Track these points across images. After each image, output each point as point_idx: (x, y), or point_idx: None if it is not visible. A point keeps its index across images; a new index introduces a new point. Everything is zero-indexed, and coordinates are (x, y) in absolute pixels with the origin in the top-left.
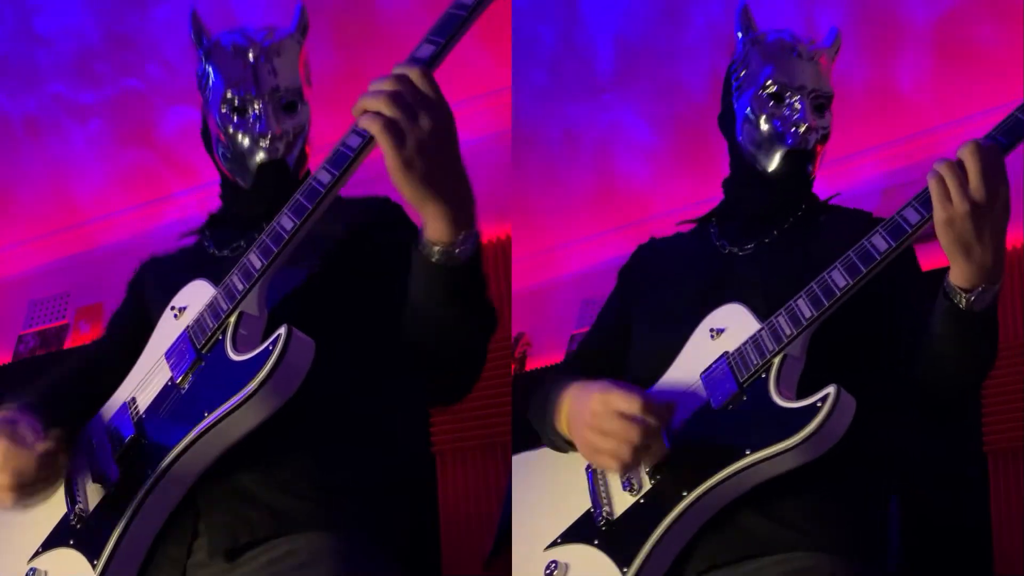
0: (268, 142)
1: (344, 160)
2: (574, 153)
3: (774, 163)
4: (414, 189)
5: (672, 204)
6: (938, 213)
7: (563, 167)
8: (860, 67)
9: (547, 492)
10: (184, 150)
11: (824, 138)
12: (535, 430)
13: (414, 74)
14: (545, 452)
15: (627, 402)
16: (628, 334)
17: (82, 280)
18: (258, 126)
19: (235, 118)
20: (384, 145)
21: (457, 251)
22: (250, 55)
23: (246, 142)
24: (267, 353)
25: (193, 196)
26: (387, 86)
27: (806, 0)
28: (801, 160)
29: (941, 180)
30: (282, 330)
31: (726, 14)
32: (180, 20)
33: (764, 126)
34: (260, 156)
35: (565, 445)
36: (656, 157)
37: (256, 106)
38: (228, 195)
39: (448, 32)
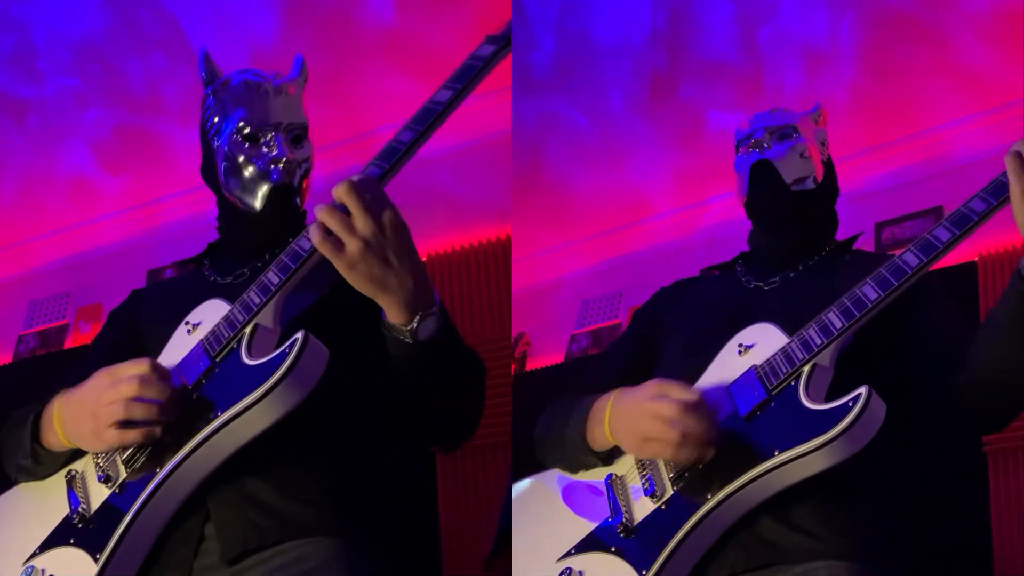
0: (282, 165)
1: None
2: (574, 153)
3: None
4: (361, 286)
5: (672, 205)
6: (1015, 186)
7: (563, 167)
8: (855, 68)
9: (551, 510)
10: (185, 153)
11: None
12: (536, 458)
13: (355, 186)
14: (544, 479)
15: (687, 393)
16: (643, 372)
17: (82, 280)
18: (274, 152)
19: (247, 145)
20: (325, 253)
21: (417, 332)
22: (262, 90)
23: (258, 167)
24: (283, 356)
25: (192, 197)
26: (335, 195)
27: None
28: (768, 172)
29: (1019, 155)
30: (299, 335)
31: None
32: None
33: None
34: (273, 179)
35: (591, 459)
36: (655, 158)
37: (269, 135)
38: (230, 224)
39: (464, 81)
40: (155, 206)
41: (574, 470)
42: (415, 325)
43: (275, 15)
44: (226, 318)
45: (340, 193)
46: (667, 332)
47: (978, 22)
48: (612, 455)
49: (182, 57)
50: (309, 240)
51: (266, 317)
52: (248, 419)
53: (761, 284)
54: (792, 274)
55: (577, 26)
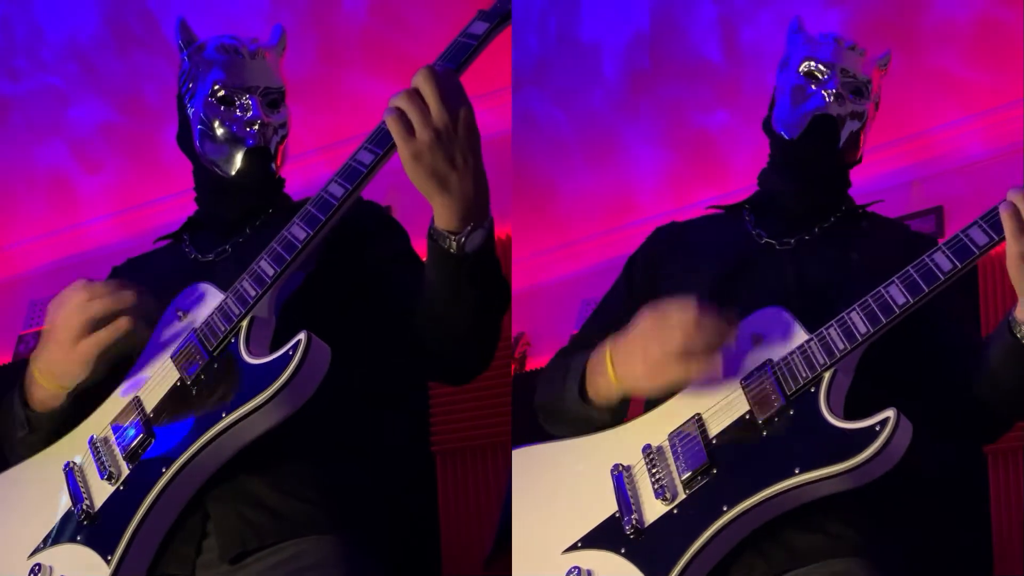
0: (257, 127)
1: (356, 175)
2: (574, 153)
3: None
4: (420, 180)
5: (671, 205)
6: (1012, 248)
7: (563, 167)
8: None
9: (550, 489)
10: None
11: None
12: (539, 425)
13: (436, 75)
14: (548, 447)
15: (684, 307)
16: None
17: None
18: (249, 114)
19: (222, 108)
20: (395, 136)
21: (463, 241)
22: (238, 53)
23: (233, 130)
24: (287, 358)
25: (191, 196)
26: (414, 81)
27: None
28: (828, 132)
29: (1016, 212)
30: (302, 336)
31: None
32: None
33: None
34: (248, 142)
35: (594, 415)
36: (653, 158)
37: (244, 98)
38: (207, 193)
39: (457, 60)
40: (154, 206)
41: (580, 431)
42: (464, 237)
43: (261, 20)
44: (221, 310)
45: (419, 79)
46: (668, 280)
47: (958, 29)
48: (617, 414)
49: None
50: (303, 229)
51: (261, 308)
52: (253, 421)
53: (773, 243)
54: (807, 237)
55: (568, 27)
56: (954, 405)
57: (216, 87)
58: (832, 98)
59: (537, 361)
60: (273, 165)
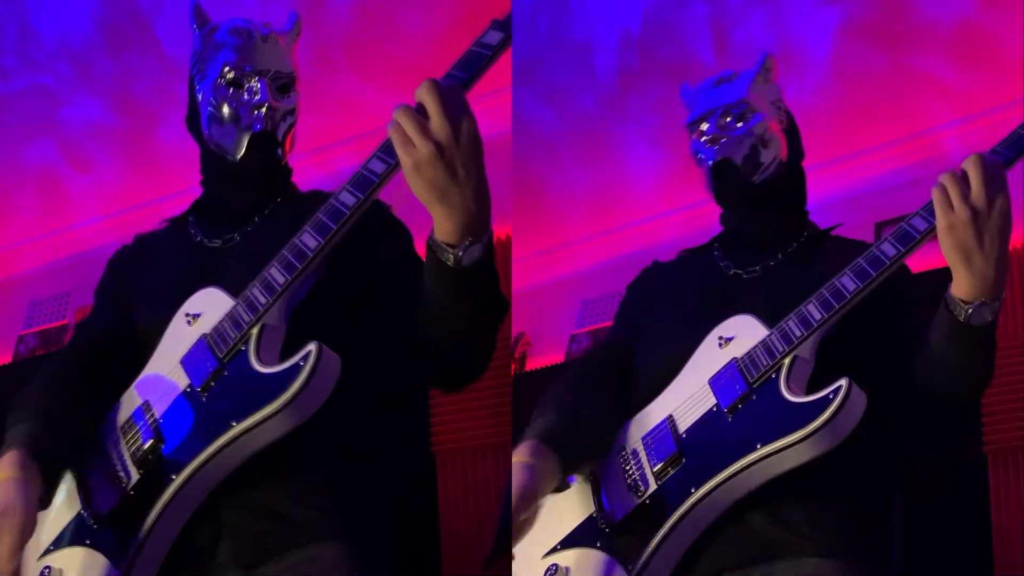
0: (264, 111)
1: (368, 184)
2: (574, 153)
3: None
4: (421, 191)
5: (672, 205)
6: (940, 220)
7: (563, 167)
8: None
9: (548, 504)
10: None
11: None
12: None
13: (439, 87)
14: None
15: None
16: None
17: (82, 280)
18: (257, 97)
19: (231, 91)
20: (396, 147)
21: (460, 255)
22: (250, 36)
23: (240, 113)
24: (298, 368)
25: (191, 196)
26: (417, 94)
27: None
28: (733, 177)
29: (943, 188)
30: (312, 346)
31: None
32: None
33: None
34: (255, 127)
35: None
36: (652, 158)
37: (253, 81)
38: (213, 179)
39: (471, 70)
40: (155, 206)
41: None
42: (461, 251)
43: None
44: (231, 316)
45: (421, 92)
46: (647, 314)
47: (958, 31)
48: None
49: (175, 60)
50: (315, 238)
51: (271, 315)
52: (263, 430)
53: (741, 272)
54: (772, 263)
55: (563, 27)
56: (928, 402)
57: (226, 69)
58: (718, 145)
59: (537, 361)
60: (280, 151)
